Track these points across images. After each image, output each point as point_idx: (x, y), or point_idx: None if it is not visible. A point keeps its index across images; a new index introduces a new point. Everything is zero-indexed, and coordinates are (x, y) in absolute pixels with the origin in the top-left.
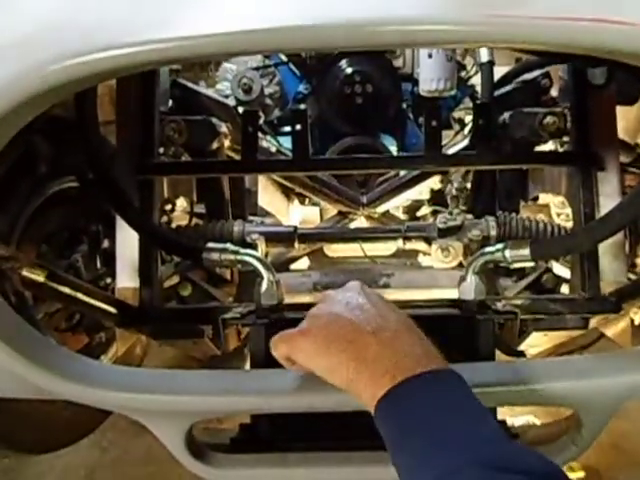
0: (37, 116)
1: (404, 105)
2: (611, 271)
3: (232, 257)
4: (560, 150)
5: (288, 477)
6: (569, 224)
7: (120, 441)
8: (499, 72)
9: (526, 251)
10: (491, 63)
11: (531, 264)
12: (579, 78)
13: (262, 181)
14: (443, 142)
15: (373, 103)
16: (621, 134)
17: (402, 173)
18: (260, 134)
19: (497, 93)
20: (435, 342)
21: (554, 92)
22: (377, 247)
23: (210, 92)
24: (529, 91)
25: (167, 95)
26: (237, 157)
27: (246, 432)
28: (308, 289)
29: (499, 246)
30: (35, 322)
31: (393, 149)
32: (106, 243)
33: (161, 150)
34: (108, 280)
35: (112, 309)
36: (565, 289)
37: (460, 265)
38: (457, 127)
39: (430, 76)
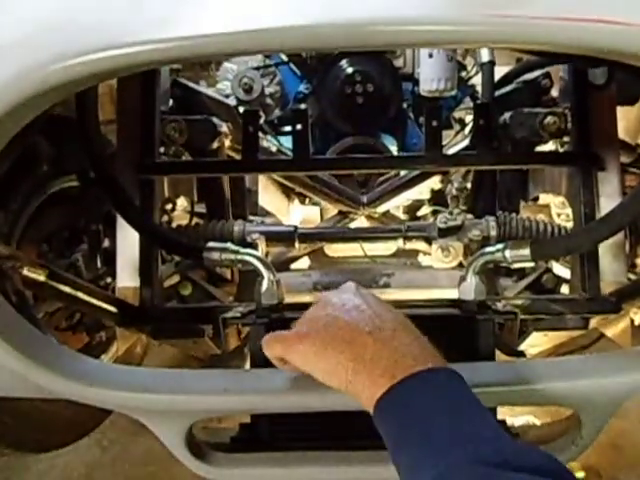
0: (38, 115)
1: (405, 105)
2: (611, 271)
3: (232, 257)
4: (560, 150)
5: (288, 476)
6: (569, 224)
7: (120, 440)
8: (500, 72)
9: (526, 251)
10: (492, 63)
11: (531, 264)
12: (580, 78)
13: (262, 181)
14: (443, 142)
15: (374, 103)
16: (622, 134)
17: (402, 173)
18: (261, 134)
19: (498, 93)
20: (435, 342)
21: (555, 92)
22: (377, 247)
23: (211, 92)
24: (530, 91)
25: (168, 95)
26: (238, 157)
27: (246, 431)
28: (308, 289)
29: (499, 246)
30: (36, 321)
31: (393, 149)
32: (107, 242)
33: (162, 150)
34: (108, 279)
35: (112, 308)
36: (565, 289)
37: (460, 265)
38: (457, 127)
39: (431, 76)
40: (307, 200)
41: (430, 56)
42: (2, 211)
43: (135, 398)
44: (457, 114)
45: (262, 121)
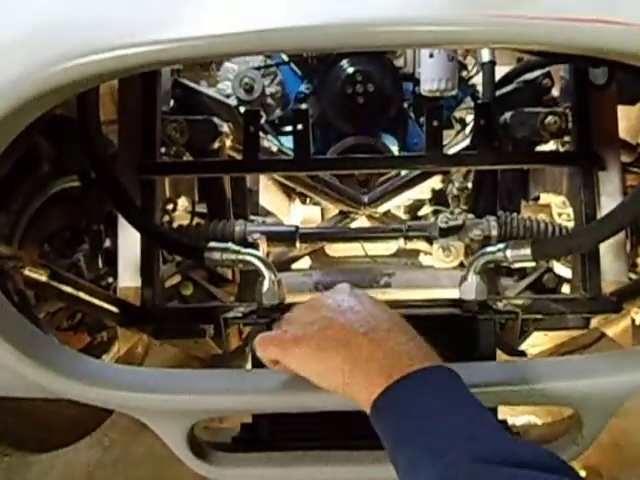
0: (39, 116)
1: (405, 105)
2: (612, 271)
3: (234, 257)
4: (561, 150)
5: (289, 476)
6: (570, 224)
7: (121, 440)
8: (500, 72)
9: (527, 251)
10: (492, 63)
11: (532, 264)
12: (580, 78)
13: (263, 181)
14: (444, 142)
15: (374, 103)
16: (622, 134)
17: (403, 173)
18: (261, 134)
19: (498, 93)
20: (436, 342)
21: (555, 92)
22: (378, 247)
23: (211, 92)
24: (530, 91)
25: (169, 95)
26: (238, 157)
27: (247, 431)
28: (309, 289)
29: (500, 246)
30: (37, 321)
31: (394, 149)
32: (108, 242)
33: (163, 150)
34: (110, 279)
35: (114, 308)
36: (566, 289)
37: (461, 265)
38: (458, 127)
39: (431, 76)
40: (308, 200)
41: (431, 56)
42: (3, 211)
43: (137, 398)
44: (458, 114)
45: (263, 121)
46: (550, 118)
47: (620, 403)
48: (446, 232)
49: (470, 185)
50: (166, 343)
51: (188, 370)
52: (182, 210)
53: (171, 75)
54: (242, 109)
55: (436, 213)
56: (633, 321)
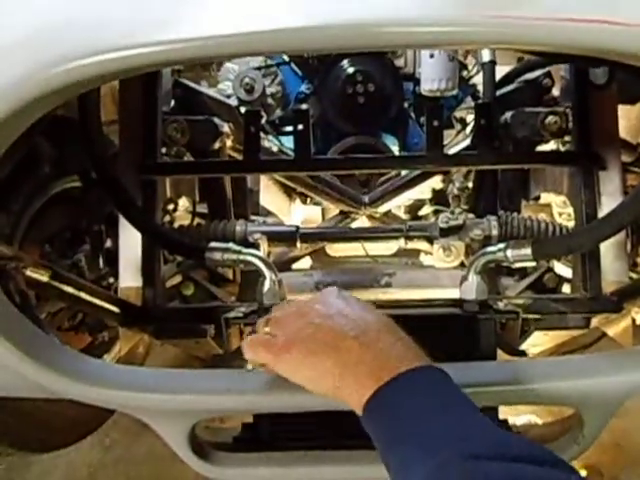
0: (40, 117)
1: (406, 105)
2: (613, 271)
3: (234, 257)
4: (562, 150)
5: (290, 476)
6: (571, 224)
7: (123, 440)
8: (501, 72)
9: (528, 251)
10: (493, 63)
11: (533, 264)
12: (581, 78)
13: (264, 181)
14: (445, 142)
15: (375, 103)
16: (623, 133)
17: (404, 173)
18: (262, 134)
19: (499, 93)
20: (437, 341)
21: (556, 92)
22: (379, 246)
23: (212, 92)
24: (531, 91)
25: (169, 95)
26: (239, 157)
27: (248, 431)
28: (310, 288)
29: (501, 246)
30: (39, 321)
31: (395, 149)
32: (109, 243)
33: (163, 150)
34: (111, 280)
35: (115, 308)
36: (567, 289)
37: (462, 264)
38: (459, 127)
39: (432, 76)
40: (308, 200)
41: (431, 56)
42: (4, 212)
43: (138, 398)
44: (458, 114)
45: (263, 121)
46: (550, 118)
47: (621, 403)
48: (447, 232)
49: (471, 185)
50: (167, 343)
51: (189, 370)
52: (183, 210)
53: (172, 75)
54: (243, 109)
55: (437, 213)
56: (633, 321)
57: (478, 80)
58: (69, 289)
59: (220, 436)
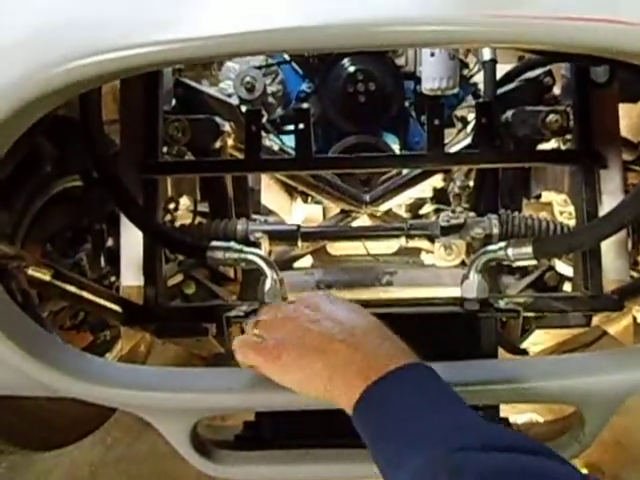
0: (41, 116)
1: (407, 103)
2: (614, 269)
3: (236, 255)
4: (563, 148)
5: (292, 473)
6: (572, 222)
7: (124, 438)
8: (502, 70)
9: (529, 249)
10: (494, 61)
11: (534, 262)
12: (582, 76)
13: (265, 180)
14: (445, 140)
15: (376, 102)
16: (624, 132)
17: (405, 171)
18: (263, 133)
19: (500, 91)
20: (438, 340)
21: (557, 90)
22: (380, 245)
23: (213, 91)
24: (532, 89)
25: (170, 94)
26: (240, 156)
27: (250, 429)
28: (311, 287)
29: (502, 244)
30: (41, 320)
31: (396, 147)
32: (110, 242)
33: (165, 149)
34: (112, 279)
35: (117, 307)
36: (568, 287)
37: (463, 263)
38: (460, 125)
39: (432, 74)
40: (310, 199)
41: (432, 55)
42: (6, 211)
43: (140, 396)
44: (459, 112)
45: (264, 120)
46: (551, 116)
47: (621, 401)
48: (447, 230)
49: (471, 183)
50: (169, 342)
51: (191, 368)
52: (184, 209)
53: (173, 74)
54: (244, 108)
55: (437, 212)
56: (635, 319)
57: (479, 79)
58: (71, 288)
59: (222, 434)
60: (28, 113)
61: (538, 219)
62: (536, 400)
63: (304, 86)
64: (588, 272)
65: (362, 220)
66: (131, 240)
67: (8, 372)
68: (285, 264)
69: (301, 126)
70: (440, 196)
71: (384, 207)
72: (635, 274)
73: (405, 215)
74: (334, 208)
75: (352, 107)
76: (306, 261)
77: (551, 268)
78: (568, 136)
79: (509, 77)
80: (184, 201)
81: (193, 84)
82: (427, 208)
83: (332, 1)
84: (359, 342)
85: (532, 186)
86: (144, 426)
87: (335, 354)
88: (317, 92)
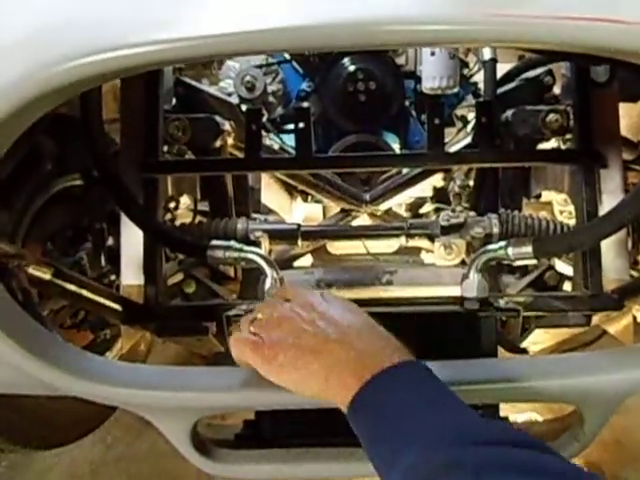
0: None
1: (407, 103)
2: (614, 268)
3: (236, 254)
4: (563, 148)
5: (292, 472)
6: (572, 222)
7: (124, 437)
8: (502, 69)
9: (529, 249)
10: (494, 61)
11: (534, 261)
12: (582, 76)
13: (265, 179)
14: (446, 140)
15: (376, 101)
16: (624, 131)
17: (405, 171)
18: (263, 132)
19: (500, 91)
20: (438, 339)
21: (557, 90)
22: (380, 244)
23: (213, 90)
24: (532, 89)
25: (171, 93)
26: (240, 155)
27: (250, 428)
28: (311, 286)
29: (502, 244)
30: (42, 319)
31: (396, 147)
32: (111, 241)
33: (165, 148)
34: (113, 277)
35: (117, 306)
36: (568, 286)
37: (463, 262)
38: (460, 125)
39: (433, 74)
40: (310, 198)
41: (432, 54)
42: (7, 210)
43: (140, 395)
44: (459, 112)
45: (265, 119)
46: (552, 116)
47: (621, 400)
48: (448, 230)
49: (472, 183)
50: (169, 341)
51: (191, 367)
52: (184, 208)
53: (173, 74)
54: (244, 107)
55: (438, 211)
56: (635, 318)
57: (479, 78)
58: (71, 287)
59: (222, 433)
60: (28, 112)
61: (538, 218)
62: (536, 399)
63: (304, 85)
64: (588, 271)
65: (362, 219)
66: (131, 239)
67: (8, 370)
68: (285, 263)
69: (301, 125)
70: (440, 195)
71: (384, 206)
72: (635, 273)
73: (405, 214)
74: (334, 207)
75: (352, 106)
76: (306, 260)
77: (551, 267)
78: (568, 135)
79: (509, 76)
80: (184, 200)
81: (193, 83)
82: (427, 207)
83: (332, 0)
84: (353, 341)
85: (532, 185)
86: (144, 425)
87: (330, 354)
88: (317, 91)
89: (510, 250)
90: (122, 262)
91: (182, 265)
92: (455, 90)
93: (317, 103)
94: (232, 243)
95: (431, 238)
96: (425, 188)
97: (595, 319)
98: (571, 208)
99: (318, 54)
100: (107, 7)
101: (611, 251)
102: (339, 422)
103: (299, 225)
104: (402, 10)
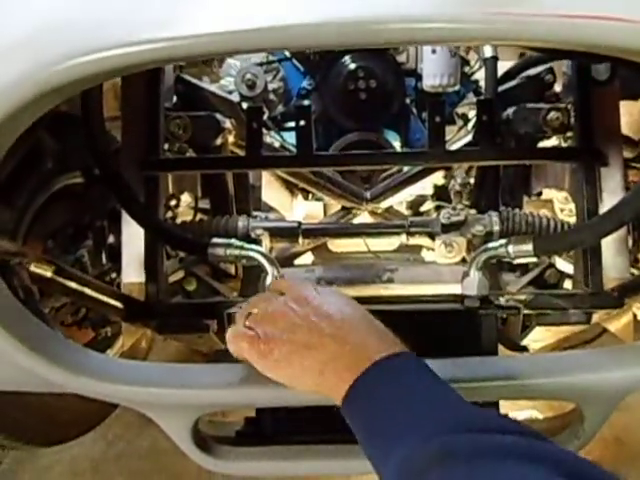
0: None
1: (407, 101)
2: (614, 266)
3: (237, 252)
4: (563, 146)
5: (292, 469)
6: (572, 219)
7: (125, 434)
8: (503, 67)
9: (529, 247)
10: (495, 58)
11: (534, 259)
12: (583, 74)
13: (266, 177)
14: (446, 138)
15: (376, 99)
16: (625, 129)
17: (405, 169)
18: (264, 130)
19: (501, 89)
20: (438, 337)
21: (558, 88)
22: (380, 242)
23: (214, 88)
24: (533, 87)
25: (171, 91)
26: (241, 153)
27: (251, 425)
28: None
29: (502, 241)
30: (43, 316)
31: (397, 145)
32: (111, 238)
33: (166, 146)
34: (114, 275)
35: (118, 304)
36: (568, 284)
37: (463, 260)
38: (460, 123)
39: (434, 71)
40: (310, 196)
41: (433, 52)
42: (8, 207)
43: (141, 392)
44: (460, 109)
45: (265, 117)
46: (552, 114)
47: (621, 397)
48: (448, 228)
49: (472, 181)
50: (170, 338)
51: (192, 365)
52: (185, 206)
53: (174, 71)
54: (245, 105)
55: (438, 209)
56: (635, 316)
57: (480, 76)
58: (72, 284)
59: (223, 430)
60: (28, 112)
61: (539, 216)
62: (536, 397)
63: (305, 83)
64: (588, 269)
65: (363, 217)
66: (132, 237)
67: (10, 368)
68: (286, 261)
69: (302, 123)
70: (441, 193)
71: (385, 204)
72: (635, 271)
73: (406, 212)
74: (335, 205)
75: (353, 104)
76: (307, 258)
77: (551, 265)
78: (569, 133)
79: (510, 74)
80: (185, 198)
81: (194, 81)
82: (428, 205)
83: None
84: (348, 335)
85: (533, 183)
86: (145, 422)
87: (324, 349)
88: (318, 89)
89: (511, 248)
90: (123, 260)
91: (183, 263)
92: (456, 88)
93: (318, 101)
94: (233, 241)
95: (432, 236)
96: (426, 186)
97: (595, 317)
98: (572, 206)
99: (319, 52)
100: (107, 6)
101: (611, 249)
102: (340, 419)
103: (300, 223)
104: (404, 9)
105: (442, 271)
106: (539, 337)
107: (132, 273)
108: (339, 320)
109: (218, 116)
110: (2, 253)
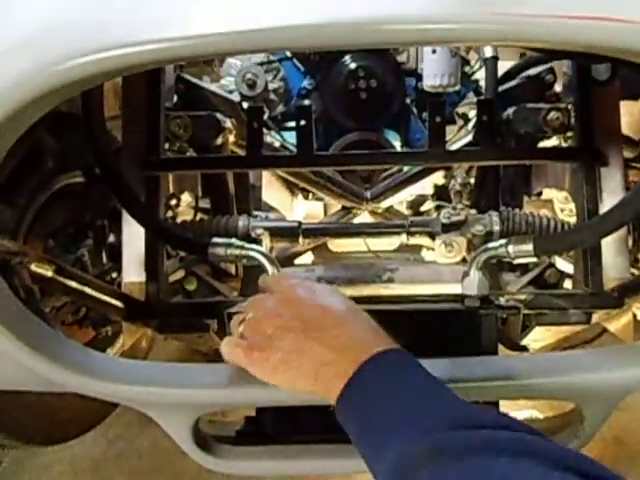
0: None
1: (408, 100)
2: (614, 266)
3: (237, 252)
4: (564, 146)
5: (292, 468)
6: (572, 219)
7: (126, 433)
8: (503, 67)
9: (529, 246)
10: (495, 58)
11: (534, 259)
12: (583, 74)
13: (266, 176)
14: (447, 137)
15: (377, 98)
16: (625, 129)
17: (406, 168)
18: (264, 129)
19: (501, 88)
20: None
21: (558, 88)
22: (381, 242)
23: (214, 87)
24: (533, 87)
25: (172, 91)
26: (242, 152)
27: (251, 424)
28: None
29: (502, 241)
30: (44, 316)
31: (397, 144)
32: (112, 238)
33: (166, 146)
34: (114, 274)
35: (119, 303)
36: (568, 284)
37: (463, 260)
38: (461, 122)
39: (434, 71)
40: (311, 195)
41: (433, 52)
42: (9, 207)
43: (142, 391)
44: (460, 109)
45: (266, 117)
46: (553, 114)
47: (621, 397)
48: (448, 228)
49: (472, 181)
50: (170, 338)
51: (193, 364)
52: (185, 206)
53: (174, 71)
54: (245, 105)
55: (438, 209)
56: (635, 316)
57: (480, 76)
58: (73, 284)
59: (223, 429)
60: (29, 112)
61: (539, 216)
62: (536, 396)
63: (305, 83)
64: (588, 269)
65: (363, 217)
66: (133, 236)
67: (10, 367)
68: (286, 260)
69: (302, 123)
70: (441, 193)
71: (385, 204)
72: (635, 271)
73: (406, 212)
74: (335, 205)
75: (353, 104)
76: (307, 258)
77: (551, 265)
78: (569, 133)
79: (510, 74)
80: (185, 197)
81: (195, 81)
82: (428, 205)
83: None
84: (337, 336)
85: (533, 183)
86: (145, 421)
87: (312, 353)
88: (318, 89)
89: (511, 248)
90: (123, 259)
91: (183, 262)
92: (456, 88)
93: (318, 101)
94: (233, 240)
95: (432, 236)
96: (426, 186)
97: (595, 317)
98: (572, 206)
99: (319, 52)
100: (106, 6)
101: (611, 249)
102: None
103: (300, 223)
104: (403, 9)
105: (442, 271)
106: (539, 337)
107: (132, 272)
108: (329, 320)
109: (218, 116)
110: (3, 252)
